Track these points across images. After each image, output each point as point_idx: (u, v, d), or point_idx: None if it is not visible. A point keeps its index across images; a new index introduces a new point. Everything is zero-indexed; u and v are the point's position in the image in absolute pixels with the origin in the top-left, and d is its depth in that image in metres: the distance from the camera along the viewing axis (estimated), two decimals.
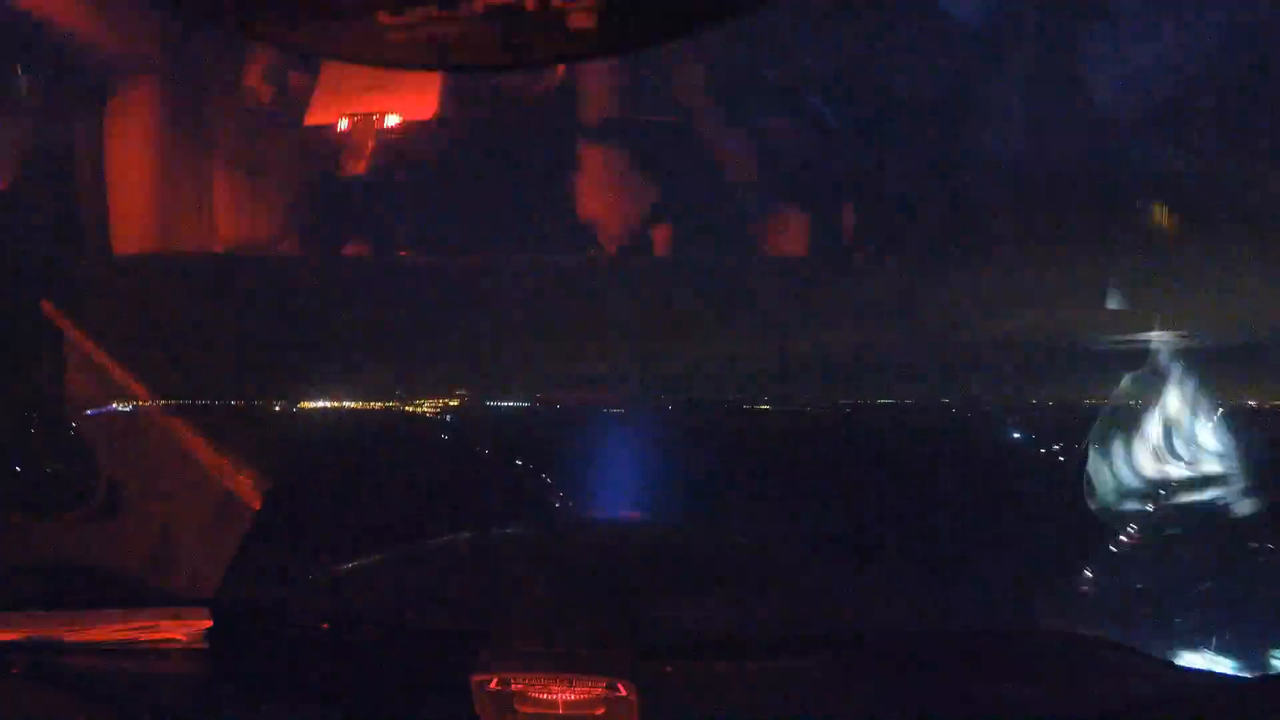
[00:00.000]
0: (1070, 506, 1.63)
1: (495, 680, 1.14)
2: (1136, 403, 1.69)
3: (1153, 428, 1.69)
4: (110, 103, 1.84)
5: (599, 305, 1.82)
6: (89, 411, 1.73)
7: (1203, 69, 1.59)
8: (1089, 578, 1.53)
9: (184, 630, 1.32)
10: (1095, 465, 1.68)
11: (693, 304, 1.82)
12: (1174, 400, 1.67)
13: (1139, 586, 1.48)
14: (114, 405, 1.70)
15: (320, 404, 1.77)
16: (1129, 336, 1.69)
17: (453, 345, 1.79)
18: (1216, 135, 1.65)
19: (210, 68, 1.88)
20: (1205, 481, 1.63)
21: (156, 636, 1.32)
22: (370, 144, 1.84)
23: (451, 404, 1.79)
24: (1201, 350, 1.66)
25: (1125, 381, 1.70)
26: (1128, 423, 1.70)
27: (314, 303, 1.83)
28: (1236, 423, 1.65)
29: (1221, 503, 1.61)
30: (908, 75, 1.73)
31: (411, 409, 1.78)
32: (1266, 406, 1.64)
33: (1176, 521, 1.61)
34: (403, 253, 1.94)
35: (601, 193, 1.86)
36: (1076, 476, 1.67)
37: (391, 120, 1.83)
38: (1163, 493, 1.65)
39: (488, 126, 1.79)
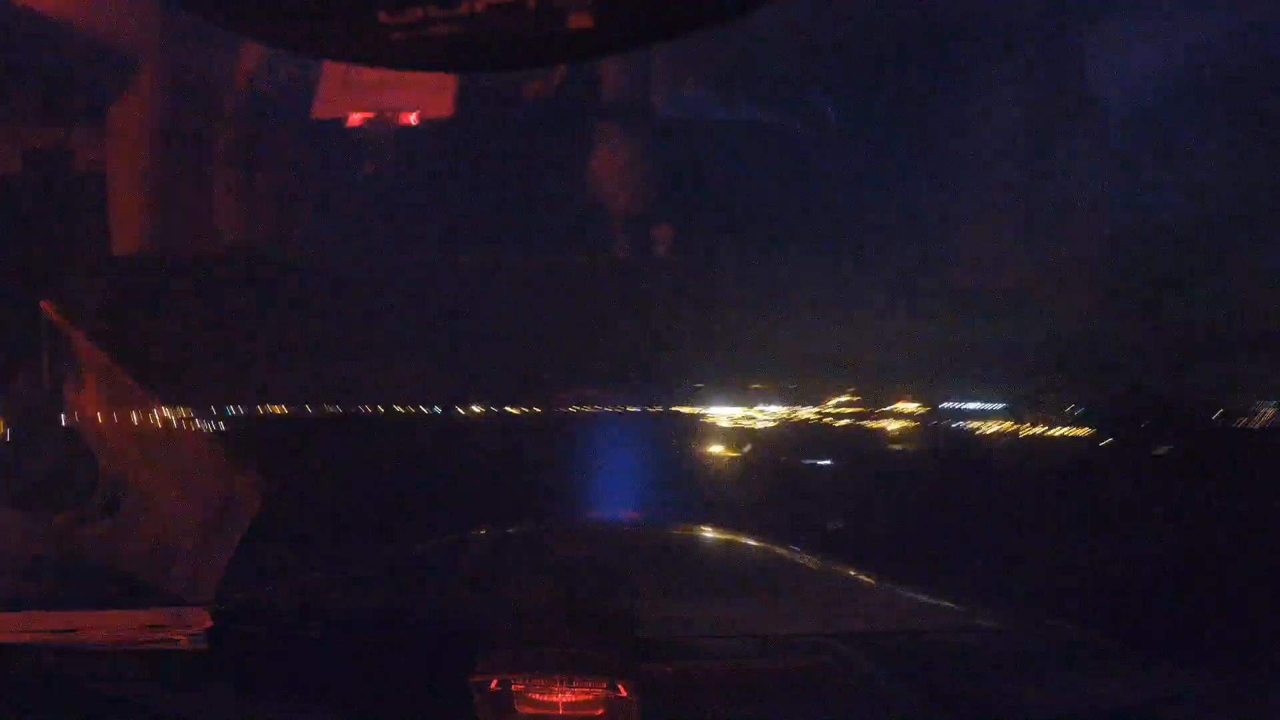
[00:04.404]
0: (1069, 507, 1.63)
1: (495, 680, 1.15)
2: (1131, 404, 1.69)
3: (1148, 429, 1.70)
4: (110, 102, 1.84)
5: (603, 305, 1.81)
6: (89, 412, 1.73)
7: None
8: (1088, 578, 1.53)
9: (184, 630, 1.32)
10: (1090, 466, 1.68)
11: (694, 305, 1.81)
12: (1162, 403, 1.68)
13: (1135, 585, 1.48)
14: (114, 405, 1.70)
15: (321, 404, 1.77)
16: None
17: (454, 345, 1.79)
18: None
19: (211, 67, 1.88)
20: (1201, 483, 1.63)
21: (157, 636, 1.32)
22: (370, 144, 1.84)
23: (452, 404, 1.79)
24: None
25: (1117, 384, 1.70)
26: (1124, 423, 1.71)
27: (315, 303, 1.83)
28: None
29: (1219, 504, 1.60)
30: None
31: (411, 409, 1.78)
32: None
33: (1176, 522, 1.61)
34: (402, 253, 1.93)
35: (607, 191, 1.86)
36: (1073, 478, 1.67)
37: (392, 119, 1.83)
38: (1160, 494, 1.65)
39: (489, 126, 1.79)
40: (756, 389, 1.71)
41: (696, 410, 1.72)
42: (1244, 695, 1.23)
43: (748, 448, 1.73)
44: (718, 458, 1.74)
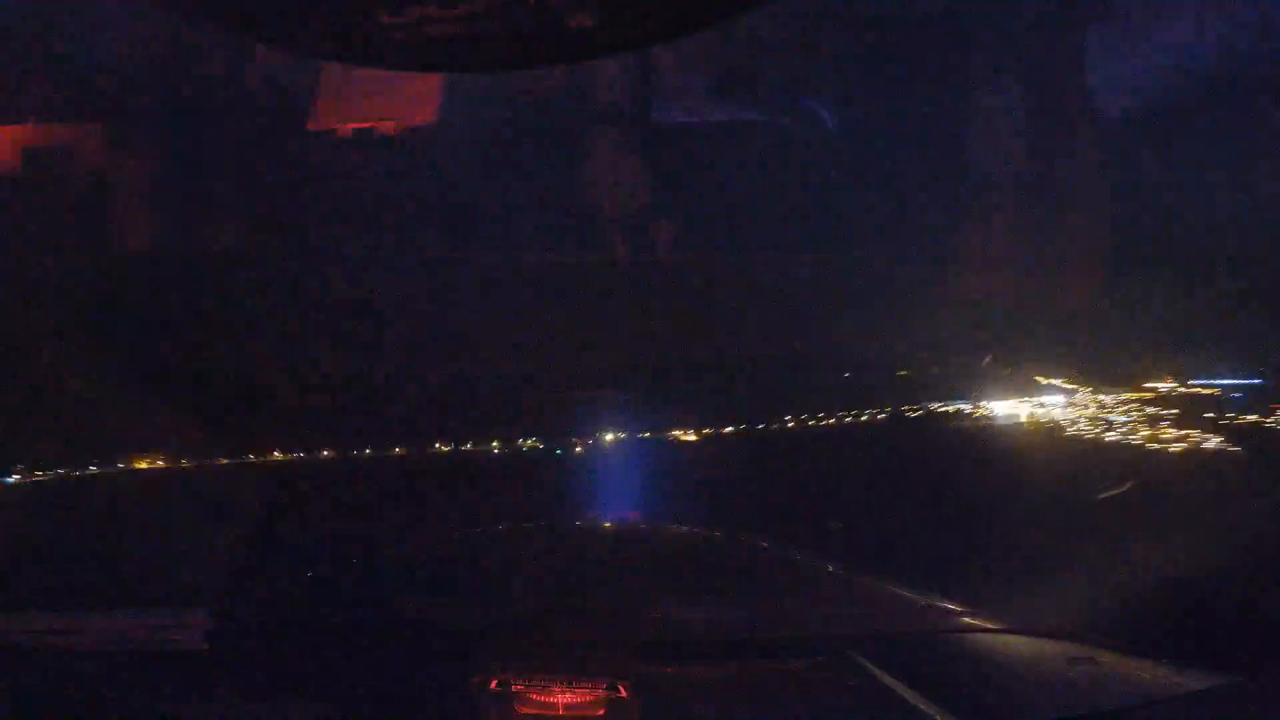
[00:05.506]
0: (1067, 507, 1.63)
1: (495, 680, 1.14)
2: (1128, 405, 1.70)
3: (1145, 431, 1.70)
4: (111, 103, 1.84)
5: (601, 305, 1.81)
6: (90, 411, 1.73)
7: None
8: (1088, 578, 1.53)
9: (184, 630, 1.32)
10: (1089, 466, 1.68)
11: (694, 306, 1.82)
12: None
13: (1135, 586, 1.48)
14: (114, 405, 1.70)
15: (320, 403, 1.77)
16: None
17: (453, 343, 1.79)
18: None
19: (212, 68, 1.88)
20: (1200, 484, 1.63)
21: (157, 637, 1.32)
22: (370, 143, 1.84)
23: (452, 401, 1.79)
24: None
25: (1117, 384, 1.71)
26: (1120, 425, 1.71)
27: (314, 302, 1.83)
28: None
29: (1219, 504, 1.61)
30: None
31: (412, 408, 1.78)
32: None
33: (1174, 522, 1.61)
34: (401, 252, 1.94)
35: (602, 192, 1.86)
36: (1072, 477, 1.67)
37: (392, 120, 1.83)
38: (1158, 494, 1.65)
39: (489, 127, 1.79)
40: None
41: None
42: (1244, 695, 1.23)
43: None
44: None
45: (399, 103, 1.82)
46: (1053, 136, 1.76)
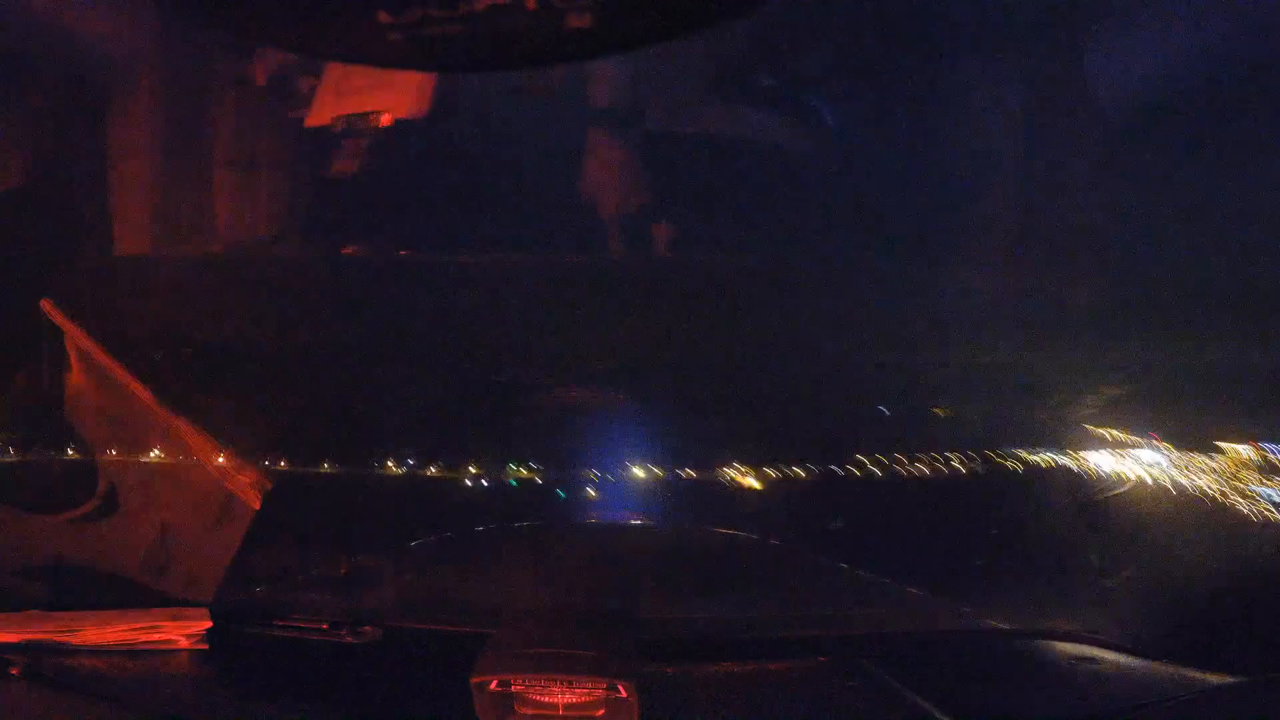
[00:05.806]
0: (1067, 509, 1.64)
1: (495, 681, 1.14)
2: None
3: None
4: (110, 103, 1.84)
5: (602, 305, 1.81)
6: (89, 412, 1.73)
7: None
8: (1089, 578, 1.53)
9: (184, 630, 1.32)
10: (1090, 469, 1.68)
11: (695, 306, 1.81)
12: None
13: (1137, 586, 1.48)
14: (113, 405, 1.70)
15: (319, 403, 1.77)
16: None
17: (452, 340, 1.79)
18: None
19: (210, 68, 1.88)
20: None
21: (156, 637, 1.32)
22: (370, 143, 1.84)
23: (450, 401, 1.79)
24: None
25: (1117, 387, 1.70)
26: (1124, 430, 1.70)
27: (314, 302, 1.83)
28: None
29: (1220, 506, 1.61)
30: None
31: (411, 408, 1.78)
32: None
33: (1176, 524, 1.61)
34: (401, 252, 1.93)
35: (603, 191, 1.86)
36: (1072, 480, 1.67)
37: (392, 119, 1.82)
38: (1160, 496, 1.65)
39: (487, 125, 1.79)
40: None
41: None
42: (1244, 695, 1.23)
43: None
44: None
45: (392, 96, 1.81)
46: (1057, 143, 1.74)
